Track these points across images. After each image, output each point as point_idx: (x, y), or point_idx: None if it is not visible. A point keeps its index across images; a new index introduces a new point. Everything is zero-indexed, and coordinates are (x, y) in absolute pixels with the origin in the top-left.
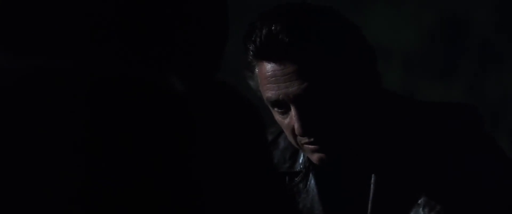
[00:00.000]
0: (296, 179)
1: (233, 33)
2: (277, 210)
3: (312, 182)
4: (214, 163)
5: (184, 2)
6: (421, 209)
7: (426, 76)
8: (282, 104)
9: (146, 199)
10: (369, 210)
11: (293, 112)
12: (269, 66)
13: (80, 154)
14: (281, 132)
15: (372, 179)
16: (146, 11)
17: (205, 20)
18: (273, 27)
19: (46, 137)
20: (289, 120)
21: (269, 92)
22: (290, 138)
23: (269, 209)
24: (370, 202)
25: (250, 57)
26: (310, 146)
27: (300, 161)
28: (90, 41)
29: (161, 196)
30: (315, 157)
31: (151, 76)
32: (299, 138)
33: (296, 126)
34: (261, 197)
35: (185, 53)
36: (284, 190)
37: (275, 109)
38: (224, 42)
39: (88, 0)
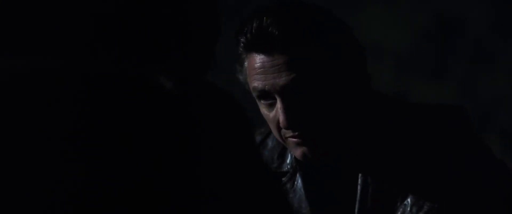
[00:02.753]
0: (283, 179)
1: (227, 34)
2: (275, 209)
3: (299, 182)
4: (213, 162)
5: (178, 4)
6: (408, 209)
7: (418, 75)
8: (268, 96)
9: (146, 199)
10: (356, 210)
11: (278, 104)
12: (258, 58)
13: (78, 154)
14: (269, 132)
15: (359, 179)
16: (142, 13)
17: (198, 21)
18: (264, 20)
19: (44, 138)
20: (275, 113)
21: (256, 82)
22: (275, 132)
23: (267, 207)
24: (357, 202)
25: (241, 49)
26: (293, 140)
27: (288, 161)
28: (87, 41)
29: (161, 196)
30: (298, 152)
31: (149, 76)
32: (283, 131)
33: (281, 118)
34: (259, 196)
35: (179, 54)
36: (280, 188)
37: (261, 101)
38: (215, 42)
39: (86, 1)
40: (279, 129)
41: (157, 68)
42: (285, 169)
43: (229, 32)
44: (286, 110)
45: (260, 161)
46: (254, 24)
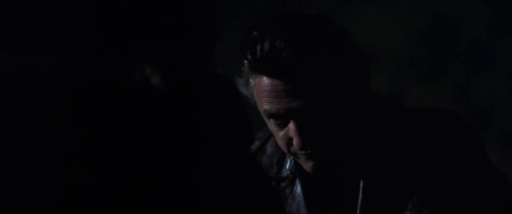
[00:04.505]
0: (282, 184)
1: (223, 35)
2: (268, 211)
3: (298, 187)
4: (208, 163)
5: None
6: (408, 213)
7: (415, 78)
8: (281, 117)
9: (140, 200)
10: None
11: (292, 126)
12: (269, 81)
13: (72, 155)
14: (268, 137)
15: (361, 184)
16: (137, 8)
17: (196, 9)
18: (277, 43)
19: (39, 138)
20: (286, 131)
21: (268, 106)
22: (283, 147)
23: (261, 209)
24: (358, 207)
25: (247, 68)
26: (305, 155)
27: (287, 166)
28: (79, 39)
29: (156, 196)
30: (309, 165)
31: (143, 75)
32: (293, 147)
33: (296, 140)
34: (253, 198)
35: (176, 48)
36: (274, 192)
37: (271, 120)
38: (214, 33)
39: None
40: (288, 145)
41: (152, 65)
42: (285, 174)
43: (225, 33)
44: (301, 132)
45: (253, 162)
46: (265, 45)
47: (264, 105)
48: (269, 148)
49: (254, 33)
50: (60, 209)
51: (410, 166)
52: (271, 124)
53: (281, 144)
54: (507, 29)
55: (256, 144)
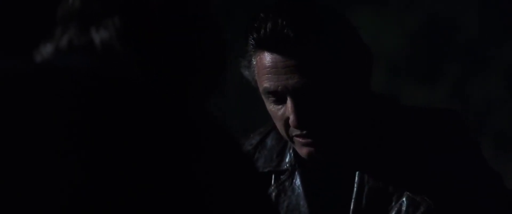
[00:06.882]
0: (282, 177)
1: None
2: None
3: (297, 180)
4: (209, 166)
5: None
6: (404, 208)
7: (410, 79)
8: (279, 95)
9: (142, 200)
10: (351, 208)
11: (289, 104)
12: (270, 57)
13: (76, 155)
14: (269, 132)
15: (356, 177)
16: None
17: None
18: (279, 20)
19: (43, 138)
20: (283, 111)
21: (267, 83)
22: (281, 130)
23: (254, 206)
24: (352, 200)
25: (251, 46)
26: (300, 139)
27: (287, 159)
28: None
29: (158, 197)
30: (304, 151)
31: (145, 79)
32: (291, 129)
33: (292, 118)
34: (247, 199)
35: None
36: (267, 192)
37: (270, 99)
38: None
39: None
40: (286, 126)
41: (155, 71)
42: (284, 167)
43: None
44: (297, 110)
45: (251, 163)
46: (269, 23)
47: (264, 83)
48: (269, 142)
49: (261, 15)
50: (60, 207)
51: (410, 164)
52: (269, 104)
53: (279, 126)
54: (503, 30)
55: (256, 138)
